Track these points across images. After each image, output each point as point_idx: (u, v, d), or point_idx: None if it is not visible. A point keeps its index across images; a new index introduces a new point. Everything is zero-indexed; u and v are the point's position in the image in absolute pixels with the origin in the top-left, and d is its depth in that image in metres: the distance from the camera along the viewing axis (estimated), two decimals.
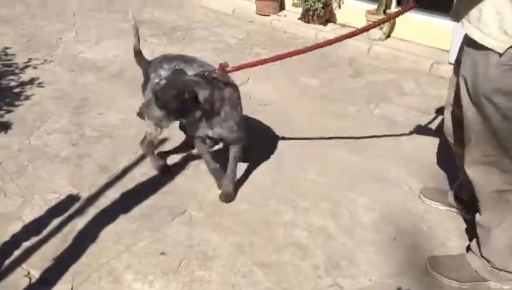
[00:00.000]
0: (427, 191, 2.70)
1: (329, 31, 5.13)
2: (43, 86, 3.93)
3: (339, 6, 5.24)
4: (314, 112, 3.64)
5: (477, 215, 2.09)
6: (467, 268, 2.13)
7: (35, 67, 4.29)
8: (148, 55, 4.45)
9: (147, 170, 2.89)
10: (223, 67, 2.40)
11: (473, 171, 2.00)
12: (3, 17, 5.68)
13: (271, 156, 3.05)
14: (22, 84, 3.95)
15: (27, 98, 3.73)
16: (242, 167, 2.94)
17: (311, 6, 5.09)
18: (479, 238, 2.09)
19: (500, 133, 1.84)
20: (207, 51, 4.79)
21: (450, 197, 2.56)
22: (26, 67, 4.29)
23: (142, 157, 3.00)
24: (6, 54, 4.54)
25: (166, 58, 2.77)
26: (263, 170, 2.94)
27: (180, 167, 2.94)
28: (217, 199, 2.66)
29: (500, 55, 1.69)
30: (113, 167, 2.92)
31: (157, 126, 2.59)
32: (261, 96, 3.86)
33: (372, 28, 3.12)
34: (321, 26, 5.21)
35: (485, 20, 1.70)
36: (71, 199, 2.63)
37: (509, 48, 1.67)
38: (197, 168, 2.93)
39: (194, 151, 3.08)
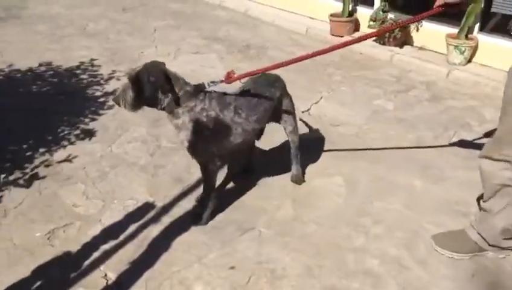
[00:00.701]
0: None
1: (405, 54, 5.01)
2: None
3: (417, 29, 5.11)
4: (389, 136, 3.54)
5: (482, 202, 2.35)
6: (467, 241, 2.37)
7: (118, 79, 4.54)
8: (223, 70, 4.59)
9: (220, 183, 2.94)
10: (229, 74, 2.48)
11: (486, 164, 2.23)
12: (91, 31, 6.09)
13: (342, 179, 3.00)
14: (106, 94, 4.19)
15: (110, 107, 3.95)
16: (311, 188, 2.93)
17: None
18: (479, 217, 2.37)
19: None
20: (279, 69, 4.84)
21: None
22: (110, 78, 4.55)
23: None
24: (92, 66, 4.86)
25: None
26: (333, 191, 2.89)
27: (250, 182, 2.97)
28: (286, 218, 2.66)
29: None
30: (186, 179, 3.00)
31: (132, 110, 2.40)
32: (332, 116, 3.84)
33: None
34: (397, 49, 5.10)
35: None
36: (147, 206, 2.74)
37: None
38: (268, 185, 2.94)
39: (266, 167, 3.11)
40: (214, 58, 5.17)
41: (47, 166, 3.10)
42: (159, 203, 2.77)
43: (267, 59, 5.20)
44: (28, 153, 3.23)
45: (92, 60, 5.00)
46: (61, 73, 4.66)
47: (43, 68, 4.77)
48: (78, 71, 4.71)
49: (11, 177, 2.97)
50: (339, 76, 4.68)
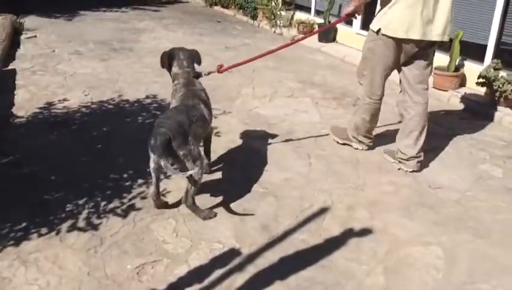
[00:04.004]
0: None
1: None
2: (219, 136, 4.26)
3: None
4: (497, 207, 3.23)
5: None
6: (345, 133, 4.02)
7: (215, 117, 4.68)
8: (316, 115, 4.55)
9: (307, 237, 2.86)
10: (219, 67, 3.59)
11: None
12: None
13: (441, 250, 2.77)
14: None
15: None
16: (405, 256, 2.73)
17: (498, 87, 4.68)
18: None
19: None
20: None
21: None
22: None
23: (304, 223, 3.00)
24: None
25: None
26: (430, 264, 2.66)
27: (340, 241, 2.84)
28: (376, 287, 2.48)
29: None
30: (274, 228, 2.96)
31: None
32: (432, 177, 3.60)
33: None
34: (508, 110, 4.73)
35: None
36: (233, 252, 2.71)
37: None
38: (357, 245, 2.80)
39: (357, 226, 2.98)
40: (308, 103, 5.17)
41: (143, 198, 3.22)
42: (245, 251, 2.73)
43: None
44: (127, 183, 3.40)
45: None
46: (164, 106, 4.91)
47: (148, 100, 5.08)
48: None
49: (111, 206, 3.13)
50: (441, 132, 4.43)
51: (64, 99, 5.03)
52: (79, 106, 4.88)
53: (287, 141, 4.21)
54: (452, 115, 4.90)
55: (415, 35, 3.31)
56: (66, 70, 6.10)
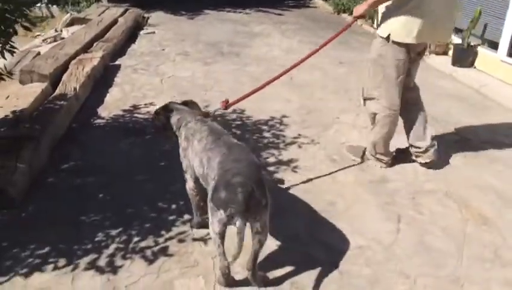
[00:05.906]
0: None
1: None
2: (296, 172, 3.61)
3: None
4: None
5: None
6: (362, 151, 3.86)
7: (300, 146, 4.05)
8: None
9: None
10: (225, 102, 2.99)
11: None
12: (298, 82, 5.77)
13: None
14: (280, 163, 3.72)
15: (278, 182, 3.45)
16: None
17: None
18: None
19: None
20: (503, 181, 3.61)
21: None
22: (292, 143, 4.08)
23: None
24: (281, 123, 4.49)
25: None
26: None
27: None
28: None
29: None
30: None
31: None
32: None
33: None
34: None
35: None
36: None
37: None
38: None
39: None
40: None
41: (181, 241, 2.74)
42: None
43: (486, 161, 3.97)
44: (171, 218, 2.96)
45: (283, 116, 4.64)
46: (247, 125, 4.42)
47: (234, 116, 4.61)
48: (264, 127, 4.39)
49: (142, 244, 2.70)
50: None
51: (151, 104, 4.82)
52: None
53: (376, 192, 3.40)
54: None
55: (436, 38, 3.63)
56: (166, 71, 5.96)
